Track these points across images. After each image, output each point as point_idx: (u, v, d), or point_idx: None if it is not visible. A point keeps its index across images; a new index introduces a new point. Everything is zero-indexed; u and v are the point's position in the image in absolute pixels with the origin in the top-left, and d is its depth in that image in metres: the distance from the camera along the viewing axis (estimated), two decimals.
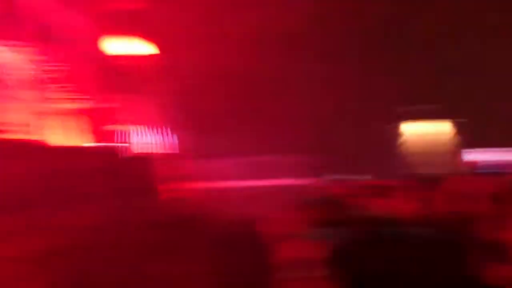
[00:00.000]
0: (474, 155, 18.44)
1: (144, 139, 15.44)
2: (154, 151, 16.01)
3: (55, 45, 10.43)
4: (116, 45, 14.96)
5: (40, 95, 12.81)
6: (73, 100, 13.19)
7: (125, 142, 13.14)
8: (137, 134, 14.85)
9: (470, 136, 18.27)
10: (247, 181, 17.67)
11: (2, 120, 11.64)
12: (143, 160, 12.41)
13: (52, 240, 6.88)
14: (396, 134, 20.03)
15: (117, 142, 10.86)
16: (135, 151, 13.99)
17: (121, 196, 9.90)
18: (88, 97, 13.34)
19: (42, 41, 10.29)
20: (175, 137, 18.05)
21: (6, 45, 10.93)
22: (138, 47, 16.09)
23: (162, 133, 17.09)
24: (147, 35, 16.18)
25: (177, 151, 17.94)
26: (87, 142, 11.23)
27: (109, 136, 12.50)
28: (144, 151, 15.09)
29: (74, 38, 10.76)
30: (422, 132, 19.95)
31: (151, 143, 16.31)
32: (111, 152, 10.25)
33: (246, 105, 18.64)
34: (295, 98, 18.70)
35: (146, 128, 15.78)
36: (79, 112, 13.60)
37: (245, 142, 17.38)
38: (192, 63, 16.90)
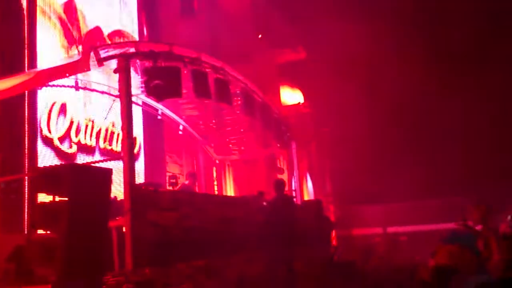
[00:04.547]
0: None
1: (304, 187, 15.65)
2: (313, 198, 16.16)
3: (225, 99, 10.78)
4: (280, 96, 15.53)
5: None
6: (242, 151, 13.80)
7: (289, 191, 13.37)
8: (296, 182, 15.05)
9: None
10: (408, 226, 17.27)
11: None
12: (314, 207, 12.52)
13: None
14: None
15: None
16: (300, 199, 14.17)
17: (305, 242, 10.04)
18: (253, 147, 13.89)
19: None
20: (330, 183, 18.15)
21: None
22: (296, 97, 16.57)
23: (318, 180, 17.26)
24: (305, 86, 16.64)
25: (332, 197, 18.00)
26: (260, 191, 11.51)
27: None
28: (308, 198, 15.27)
29: (242, 91, 11.18)
30: None
31: (309, 190, 16.49)
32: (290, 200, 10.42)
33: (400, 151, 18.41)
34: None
35: (306, 176, 16.03)
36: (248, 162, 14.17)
37: (404, 186, 17.02)
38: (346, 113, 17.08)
